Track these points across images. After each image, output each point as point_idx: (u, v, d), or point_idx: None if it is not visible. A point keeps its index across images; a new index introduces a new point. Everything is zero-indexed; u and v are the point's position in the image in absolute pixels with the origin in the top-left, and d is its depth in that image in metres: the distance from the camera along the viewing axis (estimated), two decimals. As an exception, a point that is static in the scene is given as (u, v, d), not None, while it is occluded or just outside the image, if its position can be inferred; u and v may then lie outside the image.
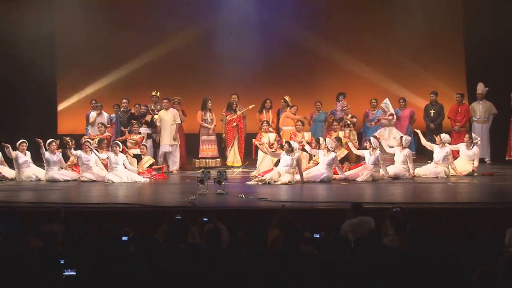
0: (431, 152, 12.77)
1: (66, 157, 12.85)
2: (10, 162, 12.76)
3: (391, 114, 13.81)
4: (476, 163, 12.48)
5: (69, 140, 13.05)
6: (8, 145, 12.44)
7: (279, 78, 16.03)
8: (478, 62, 15.15)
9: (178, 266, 5.52)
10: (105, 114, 14.51)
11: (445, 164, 12.32)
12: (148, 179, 12.34)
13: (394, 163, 12.44)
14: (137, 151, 13.14)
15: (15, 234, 6.72)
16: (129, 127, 13.91)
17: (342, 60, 16.04)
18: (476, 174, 12.31)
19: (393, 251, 5.98)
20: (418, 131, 13.18)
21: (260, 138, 13.30)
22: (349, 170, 12.38)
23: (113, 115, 14.74)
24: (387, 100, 13.92)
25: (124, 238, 6.34)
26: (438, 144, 12.46)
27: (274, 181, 11.49)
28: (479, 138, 12.93)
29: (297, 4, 16.22)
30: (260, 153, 13.04)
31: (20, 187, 11.84)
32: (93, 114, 14.49)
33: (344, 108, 14.13)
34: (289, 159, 11.57)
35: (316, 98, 14.70)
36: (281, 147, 12.05)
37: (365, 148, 12.51)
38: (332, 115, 14.25)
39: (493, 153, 14.36)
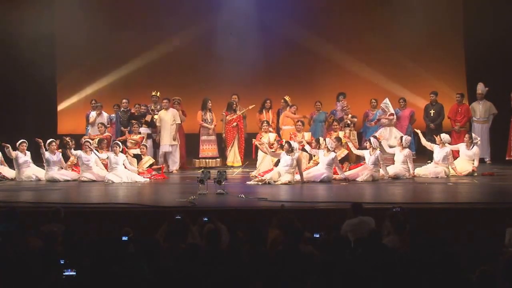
0: (431, 152, 12.77)
1: (66, 157, 12.85)
2: (10, 162, 12.75)
3: (391, 114, 13.80)
4: (476, 163, 12.48)
5: (69, 140, 13.04)
6: (8, 145, 12.44)
7: (279, 78, 16.03)
8: (478, 62, 15.15)
9: (178, 266, 5.52)
10: (105, 114, 14.51)
11: (445, 164, 12.32)
12: (148, 179, 12.33)
13: (394, 163, 12.45)
14: (137, 151, 13.14)
15: (15, 234, 6.72)
16: (129, 127, 13.91)
17: (342, 60, 16.02)
18: (476, 174, 12.31)
19: (393, 251, 5.98)
20: (418, 131, 13.17)
21: (260, 138, 13.29)
22: (349, 170, 12.37)
23: (113, 115, 14.73)
24: (387, 100, 13.90)
25: (124, 238, 6.34)
26: (438, 144, 12.46)
27: (274, 181, 11.48)
28: (479, 138, 12.92)
29: (297, 4, 16.21)
30: (260, 153, 13.03)
31: (20, 187, 11.83)
32: (93, 114, 14.49)
33: (344, 108, 14.12)
34: (289, 159, 11.57)
35: (316, 98, 14.70)
36: (281, 147, 12.05)
37: (365, 148, 12.51)
38: (332, 115, 14.24)
39: (493, 153, 14.36)
